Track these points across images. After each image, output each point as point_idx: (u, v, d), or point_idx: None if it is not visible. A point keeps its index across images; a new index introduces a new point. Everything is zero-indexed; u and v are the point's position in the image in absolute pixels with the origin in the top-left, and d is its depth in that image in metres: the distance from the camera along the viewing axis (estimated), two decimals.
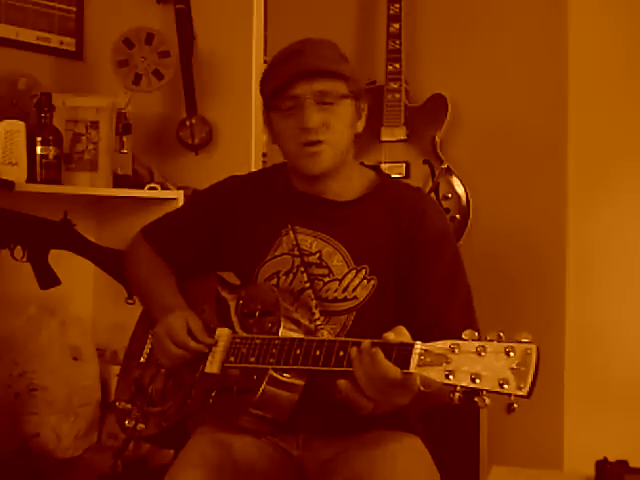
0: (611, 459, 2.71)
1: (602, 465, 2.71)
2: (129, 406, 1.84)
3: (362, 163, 1.86)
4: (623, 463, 2.71)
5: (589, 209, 2.99)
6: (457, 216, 3.03)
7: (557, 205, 2.98)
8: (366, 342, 1.46)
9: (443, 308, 1.68)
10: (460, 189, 3.04)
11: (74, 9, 2.89)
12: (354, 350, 1.47)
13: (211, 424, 1.72)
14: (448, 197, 3.04)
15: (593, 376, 2.95)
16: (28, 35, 2.78)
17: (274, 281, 1.75)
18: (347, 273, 1.71)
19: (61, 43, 2.87)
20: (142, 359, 1.87)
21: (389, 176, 1.89)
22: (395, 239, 1.71)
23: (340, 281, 1.71)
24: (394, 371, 1.41)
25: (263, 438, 1.72)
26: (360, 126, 1.77)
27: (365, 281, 1.71)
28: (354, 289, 1.71)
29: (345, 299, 1.71)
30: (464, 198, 3.04)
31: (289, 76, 1.67)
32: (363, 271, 1.71)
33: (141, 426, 1.80)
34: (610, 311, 2.96)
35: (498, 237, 3.05)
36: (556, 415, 2.93)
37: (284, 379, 1.61)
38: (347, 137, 1.73)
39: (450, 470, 1.75)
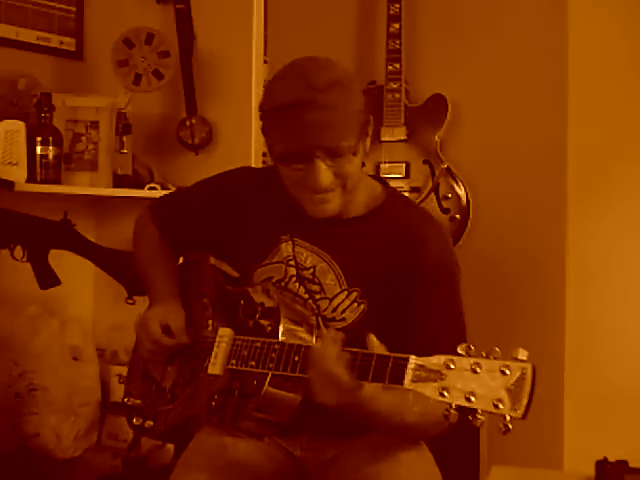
0: (611, 459, 2.70)
1: (602, 465, 2.70)
2: (139, 401, 1.84)
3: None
4: (623, 463, 2.70)
5: (589, 209, 2.99)
6: (457, 216, 3.03)
7: (557, 205, 2.98)
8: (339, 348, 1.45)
9: (433, 342, 1.59)
10: (460, 189, 3.04)
11: (74, 9, 2.89)
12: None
13: (215, 426, 1.72)
14: (448, 197, 3.03)
15: (593, 376, 2.95)
16: (28, 35, 2.78)
17: None
18: (338, 293, 1.67)
19: (61, 43, 2.86)
20: None
21: (395, 190, 1.77)
22: (391, 266, 1.65)
23: (331, 300, 1.67)
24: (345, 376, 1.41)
25: (267, 439, 1.72)
26: (368, 145, 1.64)
27: (355, 304, 1.66)
28: (343, 311, 1.67)
29: (333, 319, 1.67)
30: (464, 198, 3.04)
31: (297, 148, 1.55)
32: (354, 294, 1.66)
33: (149, 423, 1.80)
34: (610, 311, 2.95)
35: (498, 237, 3.05)
36: (556, 415, 2.93)
37: (284, 384, 1.59)
38: (357, 170, 1.62)
39: (450, 470, 1.75)
